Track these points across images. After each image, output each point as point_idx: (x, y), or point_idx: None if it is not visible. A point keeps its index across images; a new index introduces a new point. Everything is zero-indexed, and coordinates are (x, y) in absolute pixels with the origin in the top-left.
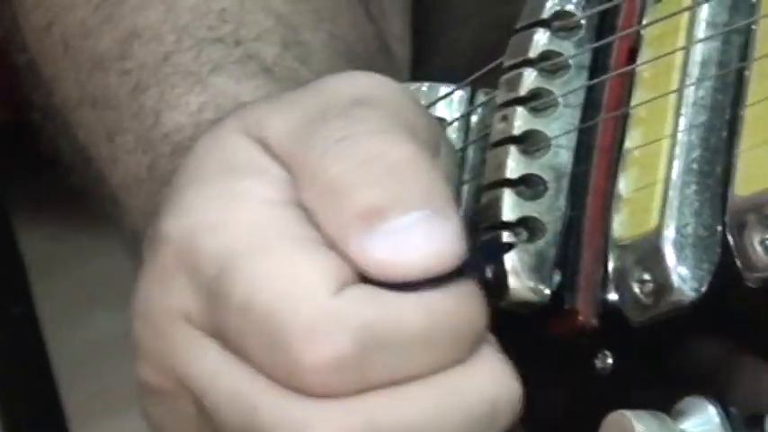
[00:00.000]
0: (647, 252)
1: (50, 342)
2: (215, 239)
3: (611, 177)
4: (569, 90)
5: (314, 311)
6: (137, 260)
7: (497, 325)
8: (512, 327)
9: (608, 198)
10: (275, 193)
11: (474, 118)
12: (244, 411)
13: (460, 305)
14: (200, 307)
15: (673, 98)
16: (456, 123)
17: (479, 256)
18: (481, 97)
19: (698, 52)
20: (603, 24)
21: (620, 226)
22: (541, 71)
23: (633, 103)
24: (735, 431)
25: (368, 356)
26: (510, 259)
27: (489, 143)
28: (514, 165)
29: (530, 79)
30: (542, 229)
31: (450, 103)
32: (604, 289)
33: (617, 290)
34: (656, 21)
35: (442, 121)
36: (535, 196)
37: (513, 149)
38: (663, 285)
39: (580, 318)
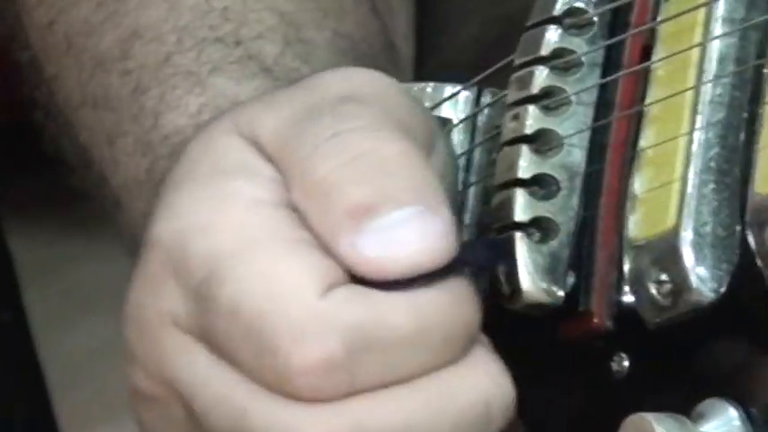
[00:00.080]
0: (665, 252)
1: (42, 348)
2: (204, 242)
3: (625, 177)
4: (582, 88)
5: (301, 313)
6: (133, 263)
7: (510, 327)
8: (525, 329)
9: (622, 198)
10: (266, 193)
11: (480, 118)
12: (233, 416)
13: (452, 305)
14: (189, 310)
15: (689, 96)
16: (462, 124)
17: (475, 254)
18: (487, 97)
19: (715, 49)
20: (616, 21)
21: (636, 226)
22: (553, 69)
23: (648, 100)
24: None
25: (357, 358)
26: (522, 260)
27: (500, 142)
28: (526, 164)
29: (542, 77)
30: (555, 229)
31: (455, 104)
32: (619, 290)
33: (633, 291)
34: (672, 17)
35: (447, 121)
36: (548, 196)
37: (524, 149)
38: (681, 286)
39: (595, 320)
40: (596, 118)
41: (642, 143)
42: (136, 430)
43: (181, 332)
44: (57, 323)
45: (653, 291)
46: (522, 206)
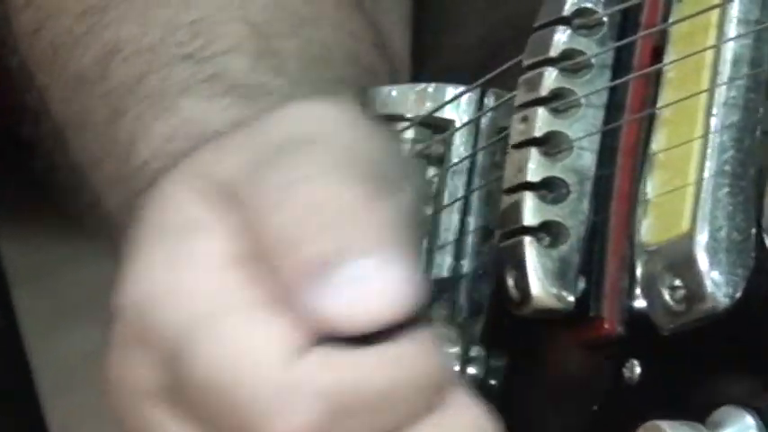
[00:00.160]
0: (679, 257)
1: (34, 353)
2: (168, 310)
3: (637, 180)
4: (592, 90)
5: (274, 383)
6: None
7: (520, 334)
8: (535, 335)
9: (633, 202)
10: (223, 251)
11: (484, 120)
12: None
13: (423, 354)
14: (165, 382)
15: (703, 98)
16: (464, 126)
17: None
18: (491, 99)
19: (729, 50)
20: (626, 22)
21: (649, 230)
22: (563, 70)
23: (660, 103)
24: None
25: (337, 424)
26: (532, 265)
27: (509, 145)
28: (535, 167)
29: (551, 79)
30: (565, 233)
31: (457, 105)
32: (631, 295)
33: (645, 296)
34: (685, 18)
35: (450, 123)
36: (557, 200)
37: (533, 152)
38: (695, 291)
39: (606, 326)
40: (606, 120)
41: (654, 146)
42: None
43: (162, 405)
44: (48, 328)
45: (666, 296)
46: (531, 210)
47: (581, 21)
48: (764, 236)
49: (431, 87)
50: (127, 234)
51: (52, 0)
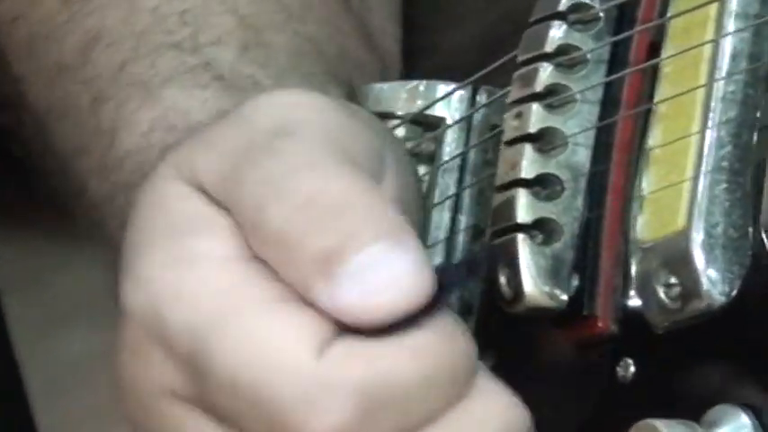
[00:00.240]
0: (674, 254)
1: (24, 362)
2: (181, 312)
3: (632, 177)
4: (588, 86)
5: (305, 381)
6: (115, 272)
7: (512, 332)
8: (527, 334)
9: (628, 198)
10: (230, 248)
11: (476, 117)
12: None
13: (449, 341)
14: (184, 381)
15: (701, 93)
16: (456, 123)
17: (452, 276)
18: (483, 96)
19: (728, 45)
20: (622, 17)
21: (644, 227)
22: (558, 66)
23: (657, 98)
24: None
25: (370, 418)
26: (525, 263)
27: (502, 141)
28: (529, 164)
29: (546, 74)
30: (559, 231)
31: (448, 103)
32: (625, 293)
33: (640, 294)
34: (682, 13)
35: (441, 120)
36: (551, 197)
37: (528, 148)
38: (691, 289)
39: (600, 324)
40: (602, 116)
41: (650, 142)
42: None
43: (181, 403)
44: (39, 334)
45: (661, 294)
46: (525, 207)
47: (577, 16)
48: (762, 233)
49: (422, 85)
50: (113, 225)
51: None
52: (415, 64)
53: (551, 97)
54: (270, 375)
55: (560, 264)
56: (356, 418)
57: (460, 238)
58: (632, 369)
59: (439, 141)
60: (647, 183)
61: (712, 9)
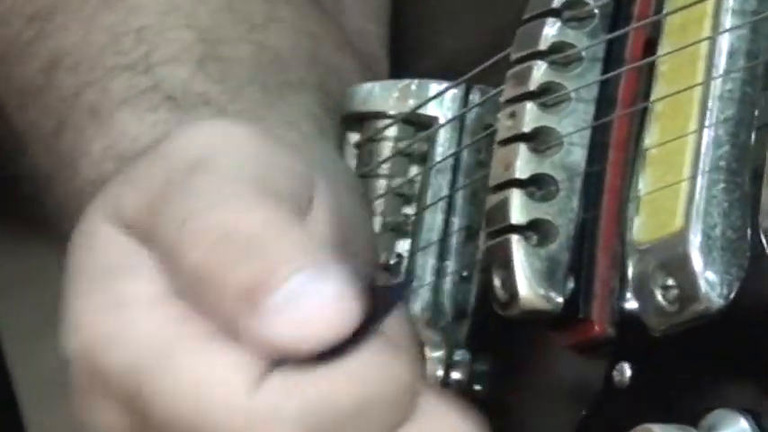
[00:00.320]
0: (672, 256)
1: (14, 367)
2: (115, 356)
3: (628, 177)
4: (583, 84)
5: (244, 416)
6: None
7: (507, 335)
8: (522, 337)
9: (624, 199)
10: (155, 288)
11: (469, 116)
12: None
13: (385, 363)
14: (128, 423)
15: (698, 91)
16: (449, 123)
17: (381, 300)
18: (476, 95)
19: (725, 42)
20: (618, 13)
21: (640, 228)
22: (552, 64)
23: (653, 97)
24: None
25: None
26: (519, 265)
27: (496, 141)
28: (523, 164)
29: (540, 73)
30: (554, 232)
31: (441, 102)
32: (622, 296)
33: (637, 297)
34: (678, 9)
35: (433, 119)
36: (546, 197)
37: (522, 148)
38: (688, 291)
39: (595, 327)
40: (597, 115)
41: (646, 142)
42: None
43: None
44: (30, 339)
45: (658, 296)
46: (519, 208)
47: (571, 13)
48: (761, 234)
49: (414, 84)
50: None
51: (2, 3)
52: (412, 64)
53: (546, 96)
54: (207, 409)
55: (556, 266)
56: None
57: (454, 240)
58: (629, 373)
59: (431, 141)
60: (644, 183)
61: (709, 5)
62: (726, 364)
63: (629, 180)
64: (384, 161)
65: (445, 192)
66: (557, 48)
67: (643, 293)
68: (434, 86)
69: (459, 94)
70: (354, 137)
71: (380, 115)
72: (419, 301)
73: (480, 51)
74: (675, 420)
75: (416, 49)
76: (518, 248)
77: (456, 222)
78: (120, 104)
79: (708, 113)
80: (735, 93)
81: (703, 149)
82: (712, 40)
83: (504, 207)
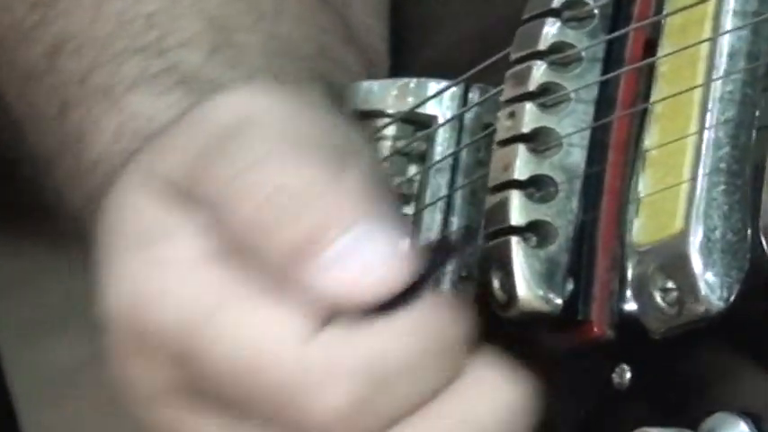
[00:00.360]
0: (671, 258)
1: (9, 369)
2: (160, 315)
3: (628, 178)
4: (582, 84)
5: (299, 366)
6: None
7: (505, 337)
8: (520, 339)
9: (624, 200)
10: (195, 251)
11: (468, 116)
12: None
13: (438, 317)
14: (177, 377)
15: (698, 93)
16: (448, 122)
17: (435, 256)
18: (475, 94)
19: (725, 44)
20: (618, 14)
21: (640, 230)
22: (552, 64)
23: (653, 98)
24: None
25: (370, 399)
26: (518, 266)
27: (495, 142)
28: (523, 165)
29: (539, 73)
30: (553, 233)
31: (440, 101)
32: (621, 298)
33: (636, 299)
34: (679, 10)
35: (432, 119)
36: (545, 198)
37: (521, 148)
38: (688, 294)
39: (595, 329)
40: (597, 116)
41: (646, 143)
42: None
43: (177, 400)
44: (26, 339)
45: (658, 298)
46: (518, 209)
47: (571, 13)
48: (761, 236)
49: (413, 82)
50: (92, 236)
51: None
52: (409, 61)
53: (545, 96)
54: (261, 367)
55: (555, 267)
56: (354, 398)
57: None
58: (628, 375)
59: (430, 141)
60: (644, 184)
61: (710, 6)
62: (726, 367)
63: (628, 181)
64: (383, 160)
65: (444, 191)
66: (556, 48)
67: (643, 295)
68: (433, 85)
69: (458, 92)
70: None
71: (379, 114)
72: None
73: (477, 46)
74: (676, 424)
75: (413, 45)
76: (517, 250)
77: (455, 222)
78: (133, 86)
79: (708, 115)
80: (735, 94)
81: (703, 151)
82: (713, 41)
83: (503, 208)
